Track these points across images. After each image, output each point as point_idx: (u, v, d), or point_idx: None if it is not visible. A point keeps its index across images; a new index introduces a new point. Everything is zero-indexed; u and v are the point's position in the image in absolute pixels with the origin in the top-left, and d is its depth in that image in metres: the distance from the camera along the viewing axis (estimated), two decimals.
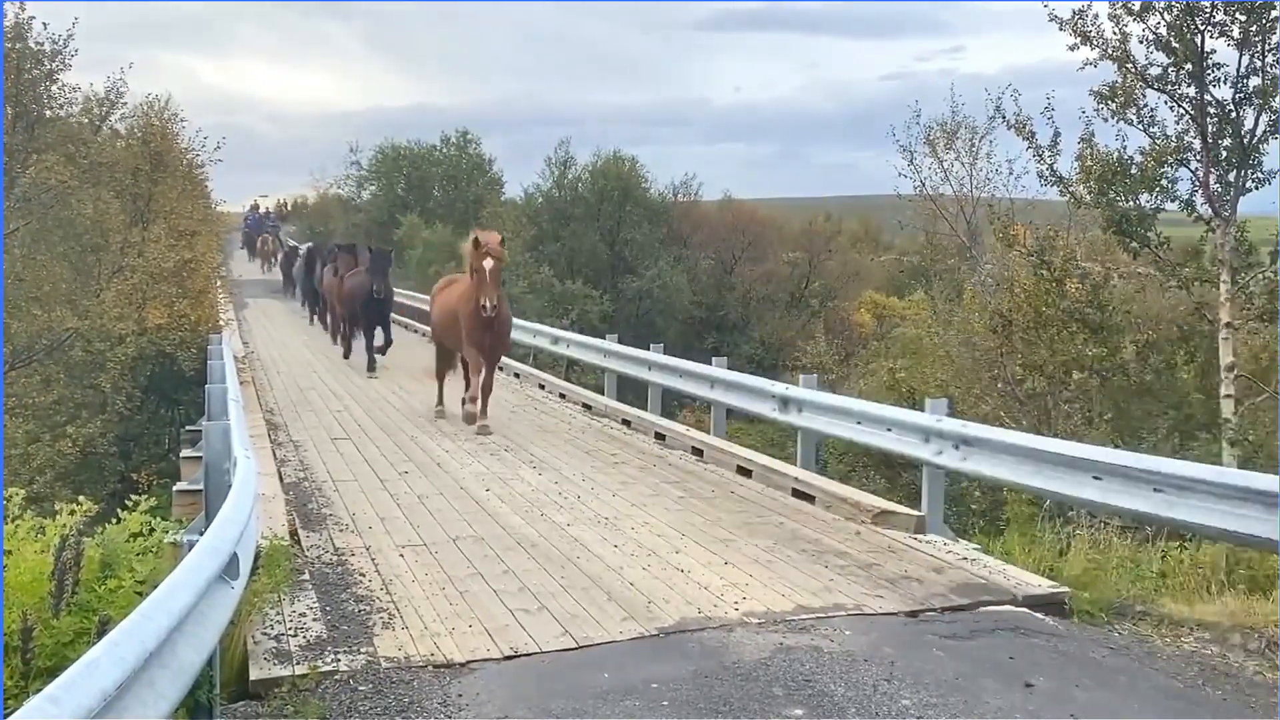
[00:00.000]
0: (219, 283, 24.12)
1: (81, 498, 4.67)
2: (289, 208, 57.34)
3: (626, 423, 11.98)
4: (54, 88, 18.42)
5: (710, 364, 11.72)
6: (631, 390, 14.42)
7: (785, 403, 9.72)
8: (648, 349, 13.45)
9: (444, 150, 42.92)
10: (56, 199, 16.74)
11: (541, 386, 15.13)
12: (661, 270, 37.04)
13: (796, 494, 8.40)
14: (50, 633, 3.96)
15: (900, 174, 26.84)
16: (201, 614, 3.70)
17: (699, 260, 39.67)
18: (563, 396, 14.23)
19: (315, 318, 24.78)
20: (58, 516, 4.50)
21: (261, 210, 50.94)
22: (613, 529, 7.35)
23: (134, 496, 5.07)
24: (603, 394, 14.02)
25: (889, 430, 8.24)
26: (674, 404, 18.44)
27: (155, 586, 3.54)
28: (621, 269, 37.98)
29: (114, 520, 4.85)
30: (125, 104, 19.99)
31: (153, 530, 4.89)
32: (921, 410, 8.24)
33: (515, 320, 20.30)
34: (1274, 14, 12.53)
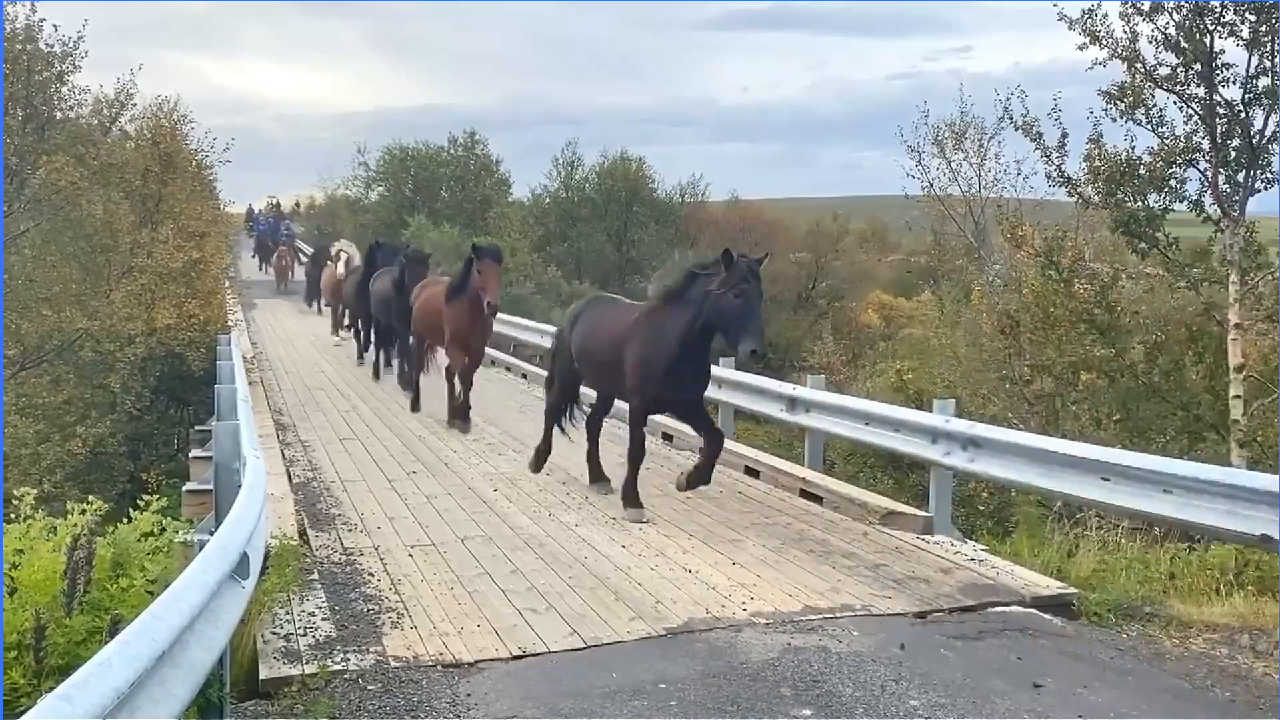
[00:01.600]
0: (228, 283, 24.18)
1: (92, 497, 4.69)
2: (277, 205, 52.67)
3: None
4: (64, 89, 18.53)
5: (718, 364, 11.70)
6: None
7: (793, 403, 9.72)
8: None
9: (451, 151, 42.97)
10: (66, 200, 16.81)
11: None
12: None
13: (804, 494, 8.41)
14: (63, 631, 3.98)
15: (908, 174, 26.82)
16: (212, 613, 3.71)
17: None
18: None
19: (370, 356, 16.32)
20: (69, 516, 4.53)
21: (259, 212, 45.83)
22: (620, 529, 7.36)
23: (144, 496, 5.09)
24: None
25: (896, 431, 8.23)
26: None
27: (166, 586, 3.56)
28: (629, 269, 37.98)
29: (124, 520, 4.87)
30: (135, 105, 20.11)
31: (163, 530, 4.91)
32: (929, 411, 8.24)
33: (523, 321, 20.39)
34: None
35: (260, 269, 39.43)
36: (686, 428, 11.42)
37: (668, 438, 11.04)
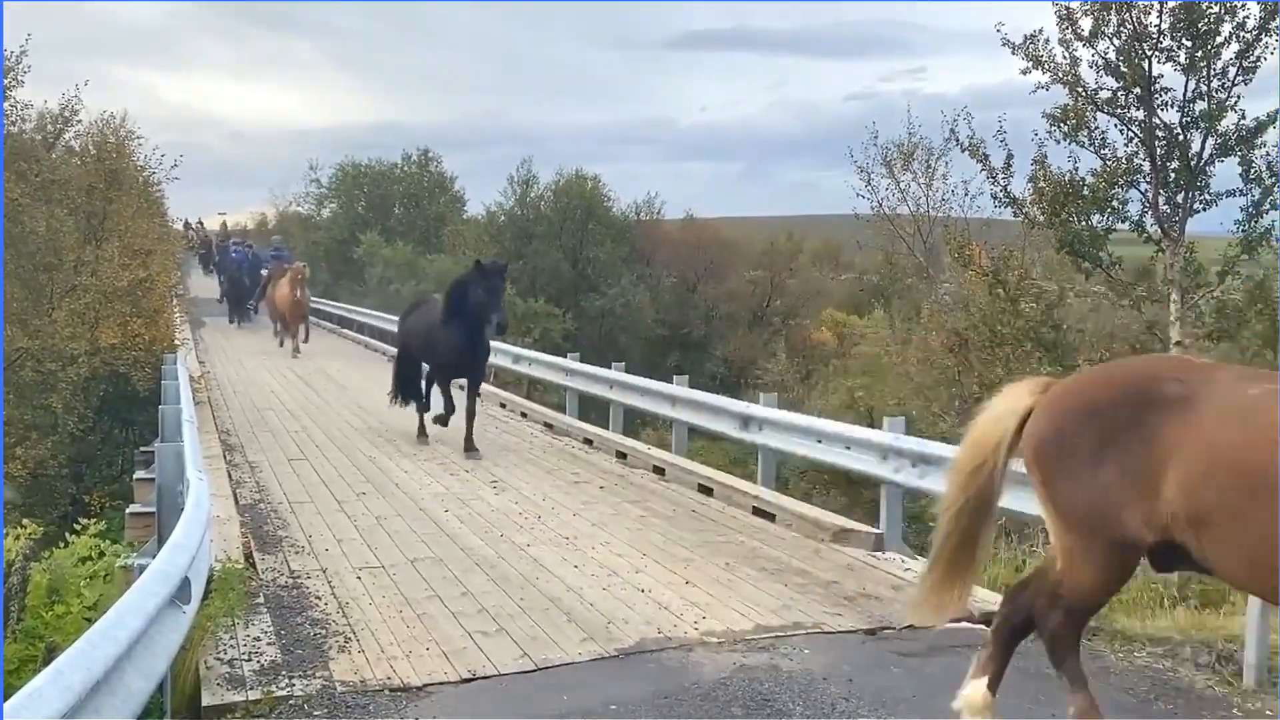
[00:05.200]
0: (175, 301, 23.77)
1: (26, 521, 4.58)
2: (191, 225, 45.04)
3: (588, 442, 11.96)
4: (6, 104, 18.13)
5: (672, 382, 11.74)
6: (593, 409, 14.41)
7: (746, 421, 9.76)
8: (610, 368, 13.45)
9: (405, 168, 42.78)
10: (7, 217, 16.43)
11: (503, 405, 15.07)
12: (624, 289, 37.12)
13: (757, 512, 8.43)
14: None
15: (858, 194, 27.15)
16: (151, 640, 3.64)
17: (662, 279, 39.80)
18: (524, 415, 14.18)
19: None
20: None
21: (227, 239, 34.92)
22: (573, 549, 7.32)
23: (83, 520, 4.98)
24: (564, 413, 13.99)
25: (848, 448, 8.30)
26: (636, 422, 18.42)
27: (105, 612, 3.48)
28: (584, 287, 38.00)
29: (62, 544, 4.76)
30: (80, 121, 19.74)
31: (102, 554, 4.80)
32: (880, 428, 8.31)
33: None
34: (1218, 40, 12.85)
35: (233, 321, 28.48)
36: (641, 445, 11.52)
37: (622, 456, 11.03)
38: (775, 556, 7.16)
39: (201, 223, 47.14)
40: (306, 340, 21.91)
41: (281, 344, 22.05)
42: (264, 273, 26.27)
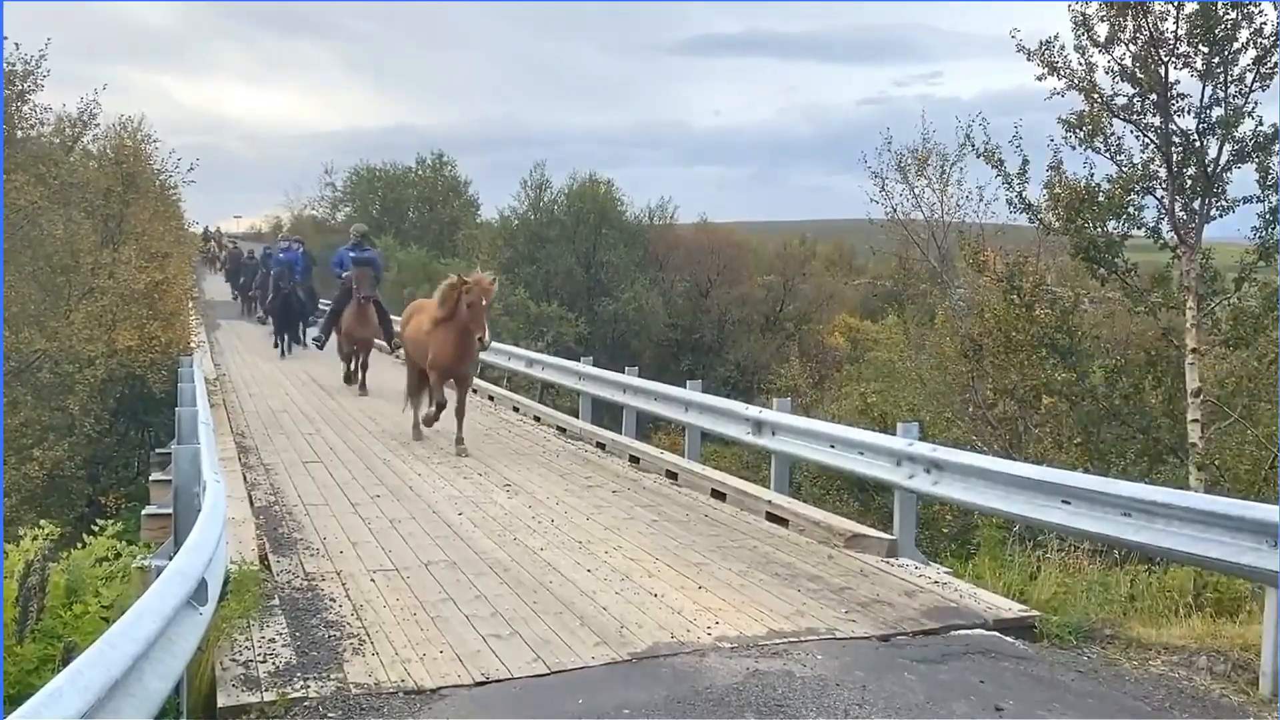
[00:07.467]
0: (191, 304, 23.88)
1: (44, 522, 4.62)
2: (213, 236, 43.20)
3: (601, 446, 11.97)
4: (25, 108, 18.29)
5: (685, 387, 11.74)
6: (607, 413, 14.42)
7: (759, 426, 9.75)
8: (623, 372, 13.47)
9: (419, 172, 42.95)
10: (26, 219, 16.59)
11: (516, 409, 15.10)
12: (637, 293, 37.20)
13: (770, 517, 8.43)
14: (14, 660, 3.92)
15: (872, 199, 27.09)
16: (168, 641, 3.67)
17: (675, 283, 39.89)
18: (537, 419, 14.20)
19: None
20: (22, 541, 4.46)
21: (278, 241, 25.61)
22: (586, 553, 7.33)
23: (100, 521, 5.03)
24: (577, 417, 14.00)
25: (861, 454, 8.28)
26: (649, 427, 18.45)
27: (122, 612, 3.51)
28: (597, 291, 38.09)
29: (80, 545, 4.80)
30: (98, 124, 19.90)
31: (119, 555, 4.84)
32: (893, 434, 8.30)
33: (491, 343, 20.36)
34: (1235, 46, 12.80)
35: (277, 345, 21.65)
36: (654, 450, 11.50)
37: (634, 460, 11.04)
38: (788, 562, 7.16)
39: (227, 237, 46.07)
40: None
41: (427, 427, 12.19)
42: (344, 257, 16.93)
